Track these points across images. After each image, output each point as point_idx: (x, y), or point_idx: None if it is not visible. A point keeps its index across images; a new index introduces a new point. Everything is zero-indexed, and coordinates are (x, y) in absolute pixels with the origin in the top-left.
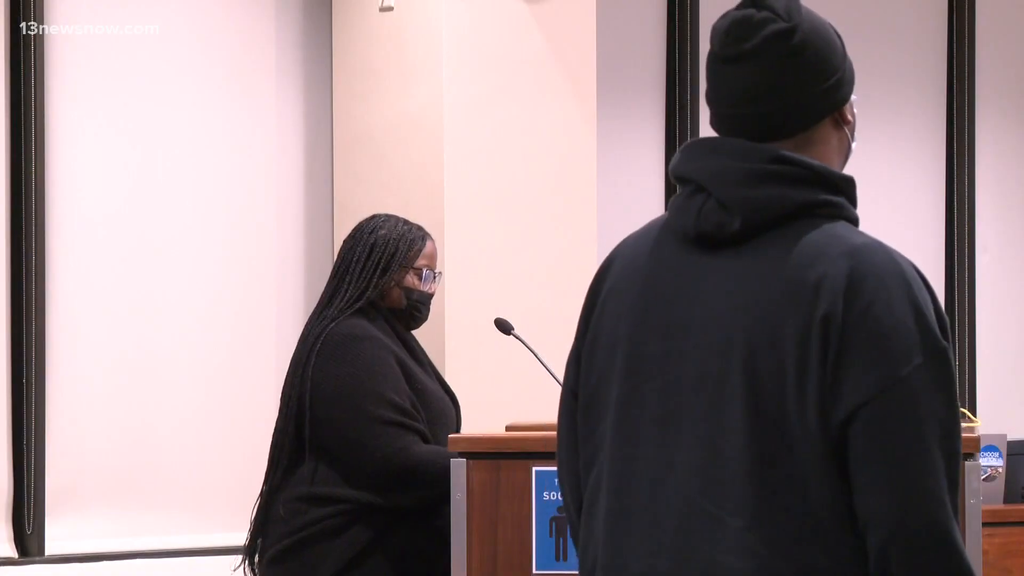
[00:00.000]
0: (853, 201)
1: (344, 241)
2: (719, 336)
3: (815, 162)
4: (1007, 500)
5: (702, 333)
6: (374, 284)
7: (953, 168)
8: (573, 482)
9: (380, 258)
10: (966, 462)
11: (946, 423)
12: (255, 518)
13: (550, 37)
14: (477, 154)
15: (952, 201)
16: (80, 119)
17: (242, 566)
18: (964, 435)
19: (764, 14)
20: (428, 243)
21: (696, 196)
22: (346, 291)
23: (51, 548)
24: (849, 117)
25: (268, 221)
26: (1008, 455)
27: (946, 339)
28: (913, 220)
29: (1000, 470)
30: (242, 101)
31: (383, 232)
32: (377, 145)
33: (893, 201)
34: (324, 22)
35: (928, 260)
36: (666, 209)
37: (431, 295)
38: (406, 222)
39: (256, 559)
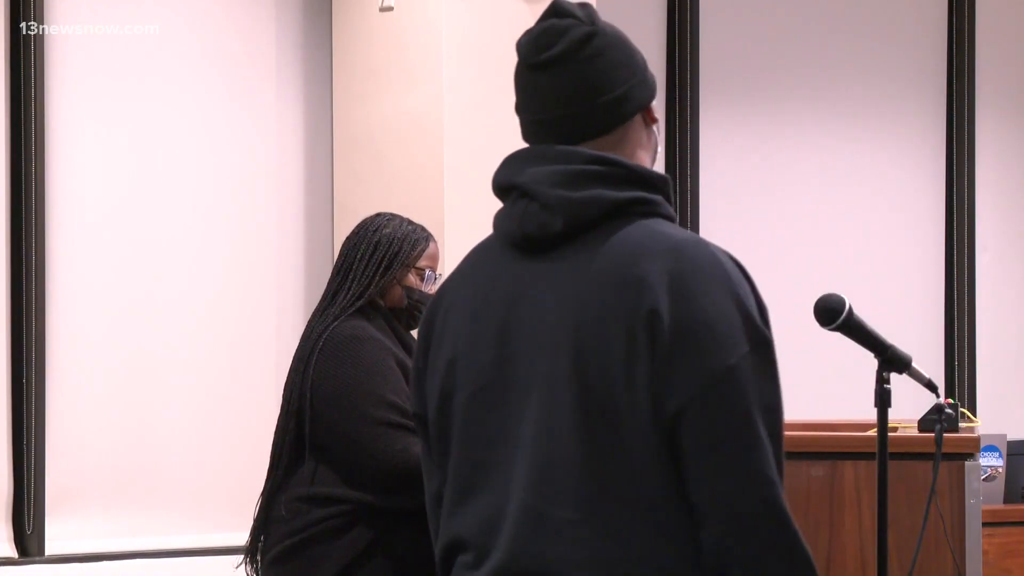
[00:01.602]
0: (669, 199)
1: (347, 238)
2: (547, 336)
3: (632, 162)
4: (1007, 500)
5: (532, 335)
6: (376, 282)
7: (953, 168)
8: (433, 505)
9: (383, 256)
10: (966, 462)
11: (772, 408)
12: (256, 517)
13: None
14: (477, 154)
15: (952, 201)
16: (80, 119)
17: (244, 565)
18: (964, 435)
19: (567, 21)
20: (432, 244)
21: (520, 202)
22: (349, 288)
23: (51, 548)
24: (655, 115)
25: (268, 221)
26: (1008, 455)
27: (767, 327)
28: (913, 220)
29: (1000, 470)
30: (242, 101)
31: (387, 231)
32: (377, 145)
33: (893, 201)
34: (324, 22)
35: (928, 260)
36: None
37: (431, 296)
38: (410, 222)
39: (258, 559)
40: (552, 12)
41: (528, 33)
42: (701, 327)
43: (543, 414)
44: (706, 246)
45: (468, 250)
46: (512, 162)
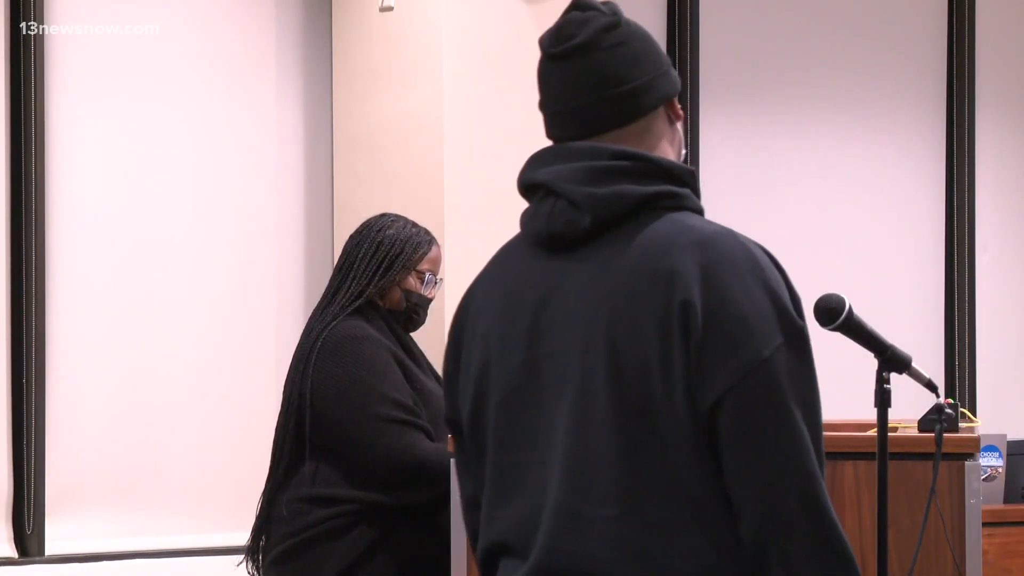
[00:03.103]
0: (696, 191)
1: (351, 237)
2: (580, 334)
3: (656, 156)
4: (1007, 500)
5: (564, 334)
6: (375, 282)
7: (953, 168)
8: (469, 509)
9: (385, 257)
10: (966, 462)
11: (809, 399)
12: (257, 517)
13: None
14: (477, 154)
15: (952, 201)
16: (80, 119)
17: (245, 565)
18: (964, 435)
19: (589, 12)
20: (434, 248)
21: (546, 200)
22: (349, 287)
23: (51, 548)
24: (680, 112)
25: (268, 221)
26: (1008, 455)
27: (801, 318)
28: (913, 220)
29: (1000, 470)
30: (242, 101)
31: (391, 232)
32: (377, 145)
33: (893, 201)
34: (324, 22)
35: (928, 260)
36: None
37: (430, 300)
38: (415, 224)
39: (259, 559)
40: (574, 6)
41: (551, 28)
42: (734, 319)
43: (578, 412)
44: (737, 237)
45: (468, 250)
46: (536, 161)
